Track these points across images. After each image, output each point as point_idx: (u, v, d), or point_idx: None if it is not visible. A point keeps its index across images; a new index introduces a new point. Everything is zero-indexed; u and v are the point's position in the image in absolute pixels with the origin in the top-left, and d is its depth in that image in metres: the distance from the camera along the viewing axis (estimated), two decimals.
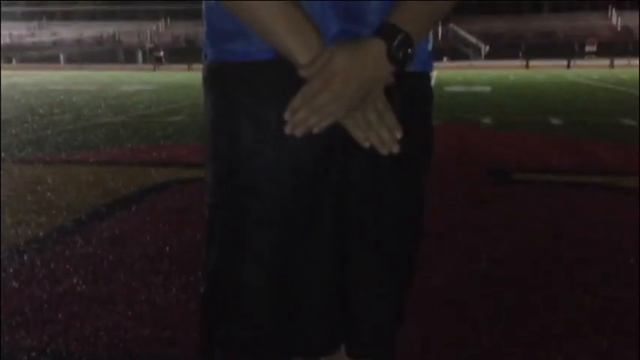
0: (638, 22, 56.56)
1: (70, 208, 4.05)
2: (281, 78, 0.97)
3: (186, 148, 6.64)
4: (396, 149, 0.98)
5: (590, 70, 32.23)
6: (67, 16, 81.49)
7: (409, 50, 0.96)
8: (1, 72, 26.96)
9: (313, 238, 1.02)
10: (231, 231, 1.04)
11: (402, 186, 1.07)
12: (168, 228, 3.60)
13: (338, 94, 0.93)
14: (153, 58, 44.42)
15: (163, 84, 21.72)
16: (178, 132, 8.08)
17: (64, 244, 3.32)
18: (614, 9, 66.73)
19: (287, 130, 0.95)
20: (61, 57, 59.15)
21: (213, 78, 1.06)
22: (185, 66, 39.83)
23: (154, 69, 40.25)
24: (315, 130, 0.95)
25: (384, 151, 0.99)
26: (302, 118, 0.94)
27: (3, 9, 79.81)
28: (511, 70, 33.23)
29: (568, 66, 37.18)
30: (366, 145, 0.98)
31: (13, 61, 58.58)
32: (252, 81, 1.00)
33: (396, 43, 0.94)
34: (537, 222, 3.77)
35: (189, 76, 28.23)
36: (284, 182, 1.00)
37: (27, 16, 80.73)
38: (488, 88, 17.73)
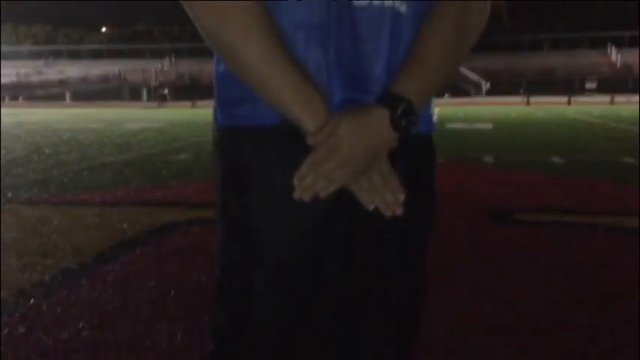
0: (637, 60, 57.14)
1: (76, 250, 4.08)
2: (289, 143, 1.01)
3: (190, 187, 6.69)
4: (399, 212, 1.03)
5: (591, 106, 32.47)
6: (73, 55, 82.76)
7: (412, 118, 1.01)
8: (8, 110, 27.29)
9: (320, 301, 1.06)
10: (240, 293, 1.07)
11: (405, 247, 1.11)
12: (174, 271, 3.63)
13: (344, 161, 0.98)
14: (157, 96, 44.98)
15: (168, 122, 21.94)
16: (183, 171, 8.15)
17: (69, 288, 3.35)
18: (613, 46, 67.51)
19: (295, 195, 0.99)
20: (67, 95, 59.79)
21: (223, 142, 1.11)
22: (189, 103, 40.28)
23: (159, 106, 40.70)
24: (323, 195, 0.99)
25: (388, 214, 1.03)
26: (310, 183, 0.98)
27: (10, 48, 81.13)
28: (512, 107, 33.50)
29: (569, 103, 37.49)
30: (371, 207, 1.03)
31: (20, 98, 59.21)
32: (261, 146, 1.05)
33: (399, 112, 0.99)
34: (539, 264, 3.78)
35: (193, 114, 28.50)
36: (292, 246, 1.04)
37: (34, 55, 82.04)
38: (489, 126, 17.87)
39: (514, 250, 4.12)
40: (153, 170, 8.25)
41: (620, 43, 67.84)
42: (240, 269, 1.07)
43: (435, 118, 1.17)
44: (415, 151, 1.10)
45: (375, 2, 1.02)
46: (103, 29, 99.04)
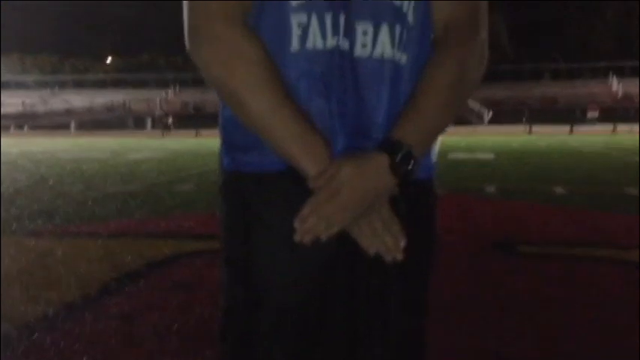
0: (638, 90, 57.48)
1: (80, 283, 4.10)
2: (292, 188, 1.05)
3: (194, 218, 6.71)
4: (400, 256, 1.05)
5: (593, 136, 32.56)
6: (79, 85, 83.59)
7: (411, 164, 1.04)
8: (14, 140, 27.49)
9: (324, 342, 1.08)
10: (244, 334, 1.09)
11: (407, 289, 1.14)
12: (177, 304, 3.63)
13: (344, 205, 1.01)
14: (162, 125, 45.26)
15: (172, 151, 22.05)
16: (186, 201, 8.18)
17: (73, 321, 3.36)
18: (614, 76, 67.96)
19: (296, 237, 1.02)
20: (72, 124, 60.22)
21: (228, 186, 1.14)
22: (193, 132, 40.49)
23: (163, 135, 40.93)
24: (323, 238, 1.02)
25: (389, 258, 1.05)
26: (310, 226, 1.01)
27: (16, 78, 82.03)
28: (514, 136, 33.58)
29: (571, 132, 37.61)
30: (372, 251, 1.06)
31: (25, 128, 59.66)
32: (266, 191, 1.08)
33: (398, 158, 1.03)
34: (542, 297, 3.78)
35: (197, 143, 28.65)
36: (294, 289, 1.07)
37: (40, 85, 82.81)
38: (491, 155, 17.91)
39: (517, 283, 4.11)
40: (156, 201, 8.29)
41: (620, 73, 68.30)
42: (244, 311, 1.10)
43: (435, 157, 1.20)
44: (416, 197, 1.13)
45: (375, 53, 1.07)
46: (109, 59, 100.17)
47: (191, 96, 68.44)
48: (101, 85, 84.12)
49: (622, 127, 39.45)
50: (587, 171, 12.70)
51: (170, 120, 45.71)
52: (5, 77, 73.39)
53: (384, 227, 1.05)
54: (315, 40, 1.04)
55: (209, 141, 27.74)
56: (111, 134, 47.38)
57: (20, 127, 58.93)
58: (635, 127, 38.24)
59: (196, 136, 37.11)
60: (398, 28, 1.07)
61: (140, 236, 5.88)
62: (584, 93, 63.63)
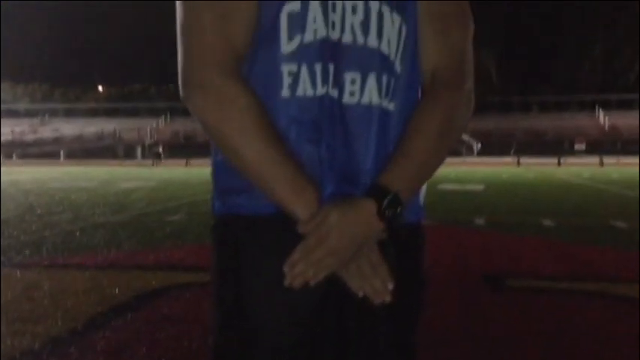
0: (624, 122, 58.29)
1: (67, 316, 4.05)
2: (282, 232, 1.06)
3: (183, 249, 6.69)
4: (388, 299, 1.07)
5: (581, 168, 32.88)
6: (69, 113, 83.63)
7: (398, 209, 1.06)
8: (2, 168, 27.36)
9: None
10: None
11: (396, 331, 1.15)
12: (166, 337, 3.60)
13: (333, 250, 1.03)
14: (152, 154, 45.28)
15: (162, 180, 22.03)
16: (176, 232, 8.15)
17: (59, 356, 3.31)
18: (600, 109, 68.96)
19: (286, 282, 1.04)
20: (62, 153, 60.07)
21: (219, 229, 1.16)
22: (183, 161, 40.52)
23: (153, 164, 40.91)
24: (312, 282, 1.04)
25: (377, 301, 1.07)
26: (300, 271, 1.03)
27: (6, 106, 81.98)
28: (503, 168, 33.87)
29: (559, 164, 37.97)
30: (360, 294, 1.07)
31: (14, 156, 59.43)
32: (256, 235, 1.10)
33: (385, 204, 1.05)
34: (532, 333, 3.78)
35: (187, 172, 28.65)
36: (285, 332, 1.07)
37: (30, 113, 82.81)
38: (481, 187, 18.04)
39: (506, 317, 4.12)
40: (146, 231, 8.25)
41: (607, 106, 69.35)
42: (236, 353, 1.10)
43: (423, 199, 1.23)
44: (404, 240, 1.15)
45: (363, 101, 1.10)
46: (100, 88, 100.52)
47: (182, 125, 68.63)
48: (92, 113, 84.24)
49: (609, 160, 39.87)
50: (575, 203, 12.80)
51: (160, 149, 45.74)
52: None
53: (373, 271, 1.07)
54: (305, 88, 1.07)
55: (199, 170, 27.75)
56: (101, 163, 47.30)
57: (9, 156, 58.69)
58: (623, 159, 38.67)
59: (186, 165, 37.12)
60: (385, 77, 1.11)
61: (129, 268, 5.84)
62: (572, 125, 64.46)
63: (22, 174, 28.21)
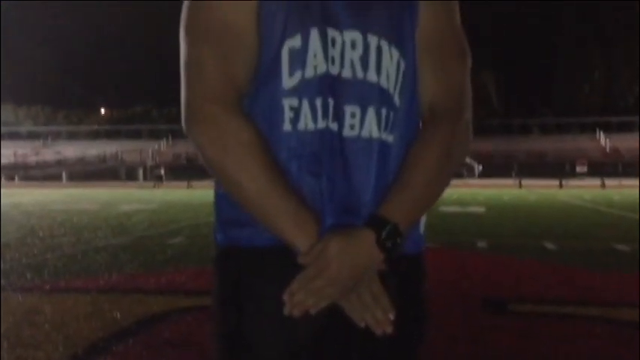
0: (625, 144, 58.36)
1: (67, 341, 4.04)
2: (282, 263, 1.08)
3: (184, 274, 6.67)
4: (389, 329, 1.08)
5: (582, 190, 32.86)
6: (72, 136, 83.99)
7: (397, 240, 1.08)
8: (4, 191, 27.40)
9: None
10: None
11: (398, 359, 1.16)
12: None
13: (332, 280, 1.04)
14: (154, 176, 45.37)
15: (163, 202, 22.04)
16: (177, 255, 8.14)
17: None
18: (601, 131, 69.10)
19: (285, 311, 1.05)
20: (64, 175, 60.19)
21: (221, 261, 1.18)
22: (185, 183, 40.53)
23: (154, 187, 40.94)
24: (312, 311, 1.05)
25: (379, 331, 1.08)
26: (299, 300, 1.04)
27: (9, 128, 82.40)
28: (504, 190, 33.86)
29: (560, 186, 37.94)
30: (362, 324, 1.08)
31: (16, 178, 59.54)
32: (257, 266, 1.12)
33: (384, 234, 1.07)
34: (534, 358, 3.76)
35: (189, 194, 28.67)
36: None
37: (32, 135, 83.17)
38: (482, 209, 18.03)
39: (508, 342, 4.10)
40: (147, 255, 8.24)
41: (607, 128, 69.54)
42: None
43: (423, 229, 1.24)
44: (405, 270, 1.17)
45: (363, 134, 1.12)
46: (102, 110, 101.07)
47: (183, 147, 68.82)
48: (94, 136, 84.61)
49: (610, 182, 39.85)
50: (577, 226, 12.78)
51: (162, 171, 45.82)
52: None
53: (374, 301, 1.08)
54: (306, 122, 1.10)
55: (201, 192, 27.76)
56: (103, 185, 47.36)
57: (11, 178, 58.81)
58: (624, 181, 38.65)
59: (188, 187, 37.15)
60: (384, 111, 1.13)
61: (130, 292, 5.83)
62: (573, 147, 64.56)
63: (24, 196, 28.24)
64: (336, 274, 1.04)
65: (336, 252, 1.04)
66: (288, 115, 1.10)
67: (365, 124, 1.12)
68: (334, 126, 1.11)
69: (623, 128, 68.61)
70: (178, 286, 6.01)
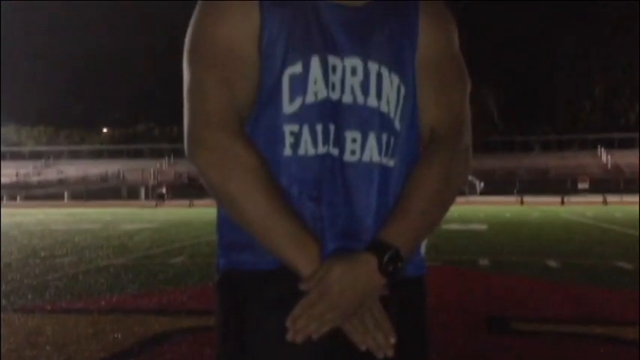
0: (626, 161, 58.35)
1: None
2: (284, 287, 1.09)
3: (186, 293, 6.66)
4: (390, 353, 1.08)
5: (584, 207, 32.79)
6: (74, 155, 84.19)
7: (399, 264, 1.09)
8: (6, 210, 27.42)
9: None
10: None
11: None
12: None
13: (334, 305, 1.05)
14: (155, 195, 45.39)
15: (165, 222, 22.03)
16: (179, 275, 8.13)
17: None
18: (602, 148, 69.12)
19: (288, 337, 1.05)
20: (65, 194, 60.23)
21: (223, 284, 1.18)
22: (187, 202, 40.52)
23: (156, 205, 40.94)
24: (315, 337, 1.05)
25: (380, 355, 1.08)
26: (302, 325, 1.05)
27: (11, 148, 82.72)
28: (506, 207, 33.82)
29: (562, 203, 37.89)
30: (363, 348, 1.08)
31: (18, 198, 59.58)
32: (259, 290, 1.12)
33: (385, 259, 1.07)
34: None
35: (191, 213, 28.65)
36: None
37: (35, 155, 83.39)
38: (484, 226, 18.00)
39: None
40: (148, 274, 8.22)
41: (608, 145, 69.59)
42: None
43: (424, 252, 1.25)
44: (406, 294, 1.17)
45: (364, 159, 1.13)
46: (105, 130, 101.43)
47: (185, 166, 68.89)
48: (96, 155, 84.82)
49: (612, 198, 39.79)
50: (580, 243, 12.74)
51: (164, 190, 45.83)
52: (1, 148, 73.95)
53: (375, 325, 1.08)
54: (306, 148, 1.11)
55: (203, 210, 27.75)
56: (104, 204, 47.37)
57: (13, 197, 58.85)
58: (626, 197, 38.60)
59: (190, 206, 37.13)
60: (385, 136, 1.15)
61: (131, 312, 5.81)
62: (574, 164, 64.55)
63: (26, 216, 28.25)
64: (338, 299, 1.05)
65: (338, 277, 1.05)
66: (288, 140, 1.11)
67: (366, 149, 1.13)
68: (335, 151, 1.12)
69: (624, 145, 68.68)
70: (180, 306, 5.99)
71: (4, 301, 6.22)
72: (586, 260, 9.76)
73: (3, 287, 7.10)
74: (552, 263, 9.14)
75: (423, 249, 1.24)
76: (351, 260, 1.07)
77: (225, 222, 1.17)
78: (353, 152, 1.13)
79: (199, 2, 1.17)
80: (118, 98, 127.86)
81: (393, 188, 1.16)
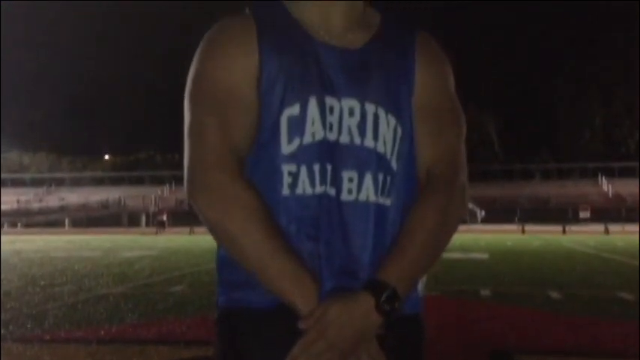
0: (627, 190, 58.27)
1: None
2: (283, 326, 1.10)
3: (185, 323, 6.62)
4: None
5: (586, 236, 32.64)
6: (75, 182, 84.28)
7: (396, 303, 1.10)
8: (6, 237, 27.37)
9: None
10: None
11: None
12: None
13: (332, 344, 1.06)
14: (156, 222, 45.29)
15: (165, 249, 21.96)
16: (179, 304, 8.09)
17: None
18: (603, 177, 69.09)
19: None
20: (66, 221, 60.15)
21: (223, 322, 1.19)
22: (187, 229, 40.40)
23: (157, 233, 40.81)
24: None
25: None
26: None
27: (12, 175, 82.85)
28: (508, 235, 33.66)
29: (564, 232, 37.73)
30: None
31: (19, 225, 59.49)
32: (258, 328, 1.13)
33: (383, 298, 1.08)
34: None
35: (191, 240, 28.56)
36: None
37: (36, 182, 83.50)
38: (486, 255, 17.91)
39: None
40: (148, 303, 8.18)
41: (609, 174, 69.60)
42: None
43: (421, 291, 1.26)
44: (403, 332, 1.18)
45: (360, 198, 1.16)
46: (106, 157, 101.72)
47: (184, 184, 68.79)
48: (98, 182, 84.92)
49: (614, 227, 39.66)
50: (582, 274, 12.67)
51: (165, 217, 45.73)
52: (2, 175, 74.11)
53: None
54: (304, 188, 1.13)
55: (203, 238, 27.66)
56: (105, 231, 47.27)
57: (14, 224, 58.78)
58: (628, 227, 38.48)
59: (190, 233, 37.02)
60: (381, 175, 1.17)
61: (130, 342, 5.77)
62: (575, 193, 64.46)
63: (26, 243, 28.18)
64: (336, 339, 1.06)
65: (336, 316, 1.06)
66: (286, 180, 1.13)
67: (362, 189, 1.16)
68: (332, 191, 1.14)
69: (625, 174, 68.70)
70: (179, 337, 5.96)
71: (3, 331, 6.19)
72: (588, 291, 9.70)
73: (3, 316, 7.06)
74: (554, 294, 9.08)
75: (420, 286, 1.25)
76: (348, 299, 1.08)
77: (225, 260, 1.18)
78: (350, 191, 1.15)
79: (201, 44, 1.20)
80: (120, 125, 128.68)
81: (389, 227, 1.18)
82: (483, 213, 55.03)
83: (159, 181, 79.67)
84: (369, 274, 1.13)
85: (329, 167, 1.14)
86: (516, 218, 47.21)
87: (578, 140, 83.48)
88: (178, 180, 74.92)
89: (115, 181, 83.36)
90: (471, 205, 56.35)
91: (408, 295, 1.15)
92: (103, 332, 6.16)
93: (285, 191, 1.14)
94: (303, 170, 1.13)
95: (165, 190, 75.96)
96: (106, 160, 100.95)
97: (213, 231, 1.12)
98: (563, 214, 51.07)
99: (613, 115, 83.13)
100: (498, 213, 55.23)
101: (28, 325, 6.54)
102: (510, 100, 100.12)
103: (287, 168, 1.13)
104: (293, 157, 1.13)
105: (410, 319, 1.20)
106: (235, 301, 1.16)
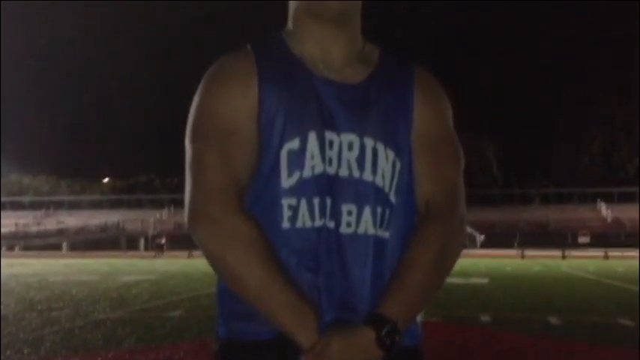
0: (626, 215, 58.20)
1: None
2: (282, 357, 1.11)
3: (183, 349, 6.57)
4: None
5: (585, 261, 32.55)
6: (74, 206, 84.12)
7: (396, 337, 1.11)
8: (4, 261, 27.24)
9: None
10: None
11: None
12: None
13: None
14: (155, 246, 45.13)
15: (163, 273, 21.84)
16: (176, 329, 8.04)
17: None
18: (602, 202, 69.05)
19: None
20: (64, 245, 59.92)
21: (222, 354, 1.20)
22: (186, 253, 40.25)
23: (155, 256, 40.65)
24: None
25: None
26: None
27: (11, 198, 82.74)
28: (507, 260, 33.55)
29: (563, 257, 37.61)
30: None
31: (16, 248, 59.25)
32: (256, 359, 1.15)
33: (383, 333, 1.10)
34: None
35: (190, 264, 28.42)
36: None
37: (35, 205, 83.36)
38: (485, 280, 17.84)
39: None
40: (145, 328, 8.13)
41: (608, 199, 69.59)
42: None
43: (420, 325, 1.27)
44: None
45: (359, 231, 1.17)
46: (105, 180, 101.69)
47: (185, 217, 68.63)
48: (96, 205, 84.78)
49: (613, 252, 39.54)
50: (581, 300, 12.61)
51: (163, 241, 45.58)
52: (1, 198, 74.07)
53: None
54: (304, 221, 1.15)
55: (201, 262, 27.51)
56: (103, 255, 47.08)
57: (11, 247, 58.54)
58: (627, 251, 38.38)
59: (189, 257, 36.87)
60: (380, 209, 1.19)
61: None
62: (575, 218, 64.36)
63: (24, 267, 28.04)
64: None
65: (337, 350, 1.07)
66: (286, 213, 1.15)
67: (361, 222, 1.17)
68: (331, 224, 1.16)
69: (624, 199, 68.69)
70: None
71: (2, 357, 6.15)
72: (588, 317, 9.65)
73: (1, 341, 7.02)
74: (554, 320, 9.03)
75: (419, 318, 1.26)
76: (349, 333, 1.09)
77: (225, 292, 1.20)
78: (349, 224, 1.16)
79: (202, 79, 1.23)
80: (120, 149, 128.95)
81: (388, 259, 1.19)
82: (483, 237, 54.87)
83: (158, 205, 79.54)
84: (368, 306, 1.14)
85: (328, 201, 1.16)
86: (516, 243, 47.06)
87: (577, 165, 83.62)
88: (177, 203, 74.88)
89: (114, 205, 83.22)
90: (470, 230, 56.24)
91: (408, 328, 1.16)
92: (100, 358, 6.11)
93: (286, 224, 1.15)
94: (303, 203, 1.15)
95: (164, 214, 75.80)
96: (105, 184, 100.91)
97: (213, 263, 1.14)
98: (562, 239, 50.94)
99: (612, 140, 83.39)
100: (497, 237, 55.10)
101: (25, 351, 6.49)
102: (509, 124, 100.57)
103: (287, 201, 1.15)
104: (293, 191, 1.15)
105: (410, 351, 1.21)
106: (236, 333, 1.18)
